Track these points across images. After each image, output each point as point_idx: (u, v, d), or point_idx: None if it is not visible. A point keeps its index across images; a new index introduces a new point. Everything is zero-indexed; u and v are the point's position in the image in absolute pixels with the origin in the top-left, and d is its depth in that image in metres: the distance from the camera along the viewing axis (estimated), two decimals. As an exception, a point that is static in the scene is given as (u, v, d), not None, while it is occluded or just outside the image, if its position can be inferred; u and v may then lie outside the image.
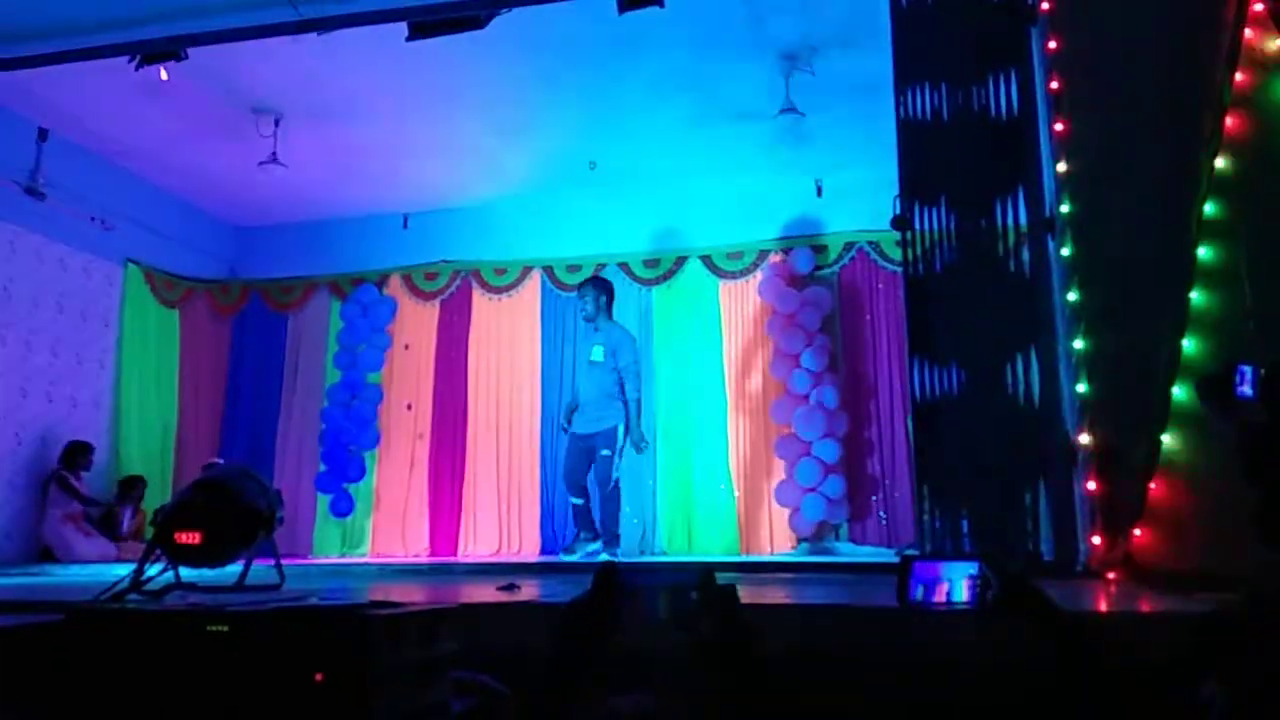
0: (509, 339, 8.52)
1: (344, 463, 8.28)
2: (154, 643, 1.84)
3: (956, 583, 2.52)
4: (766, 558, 7.12)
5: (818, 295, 7.69)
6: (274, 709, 1.74)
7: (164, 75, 5.98)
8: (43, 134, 7.11)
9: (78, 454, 7.19)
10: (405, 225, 8.87)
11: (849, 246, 7.88)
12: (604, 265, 8.24)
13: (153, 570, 2.66)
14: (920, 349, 4.23)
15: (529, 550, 7.96)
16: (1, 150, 6.89)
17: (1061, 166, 4.12)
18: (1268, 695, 1.47)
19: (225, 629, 1.79)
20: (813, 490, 7.20)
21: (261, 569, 2.95)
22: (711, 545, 7.59)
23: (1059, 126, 4.15)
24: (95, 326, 7.82)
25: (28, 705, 1.83)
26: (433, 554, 8.05)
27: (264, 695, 1.75)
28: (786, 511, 7.39)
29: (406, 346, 8.65)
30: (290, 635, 1.79)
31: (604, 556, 6.25)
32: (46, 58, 5.92)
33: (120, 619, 1.98)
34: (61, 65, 5.96)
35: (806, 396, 7.39)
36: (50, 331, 7.37)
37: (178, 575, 2.71)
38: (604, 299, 6.96)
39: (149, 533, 2.61)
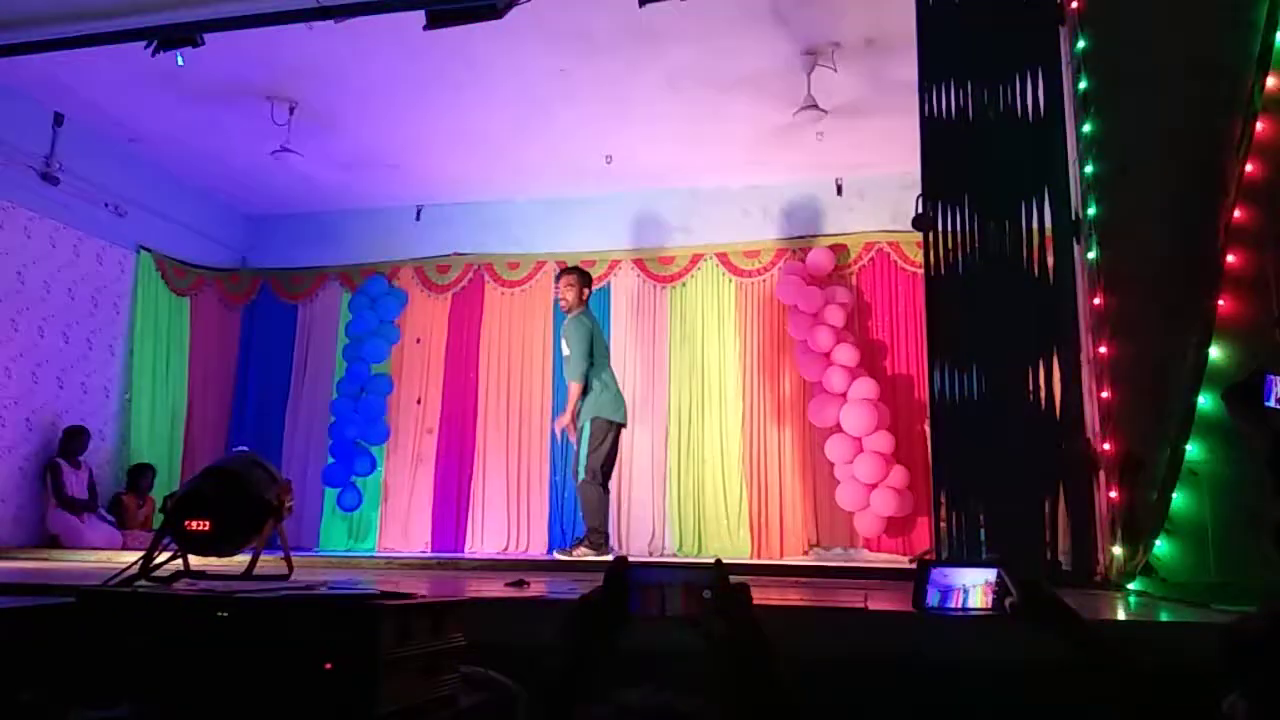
0: (520, 333, 8.47)
1: (352, 456, 8.27)
2: (164, 627, 1.83)
3: (974, 589, 2.47)
4: (780, 561, 7.06)
5: (840, 294, 7.61)
6: (283, 696, 1.73)
7: (180, 61, 5.97)
8: (59, 119, 7.13)
9: (72, 439, 7.17)
10: (418, 217, 8.85)
11: (869, 247, 7.81)
12: (618, 261, 8.21)
13: (161, 557, 2.64)
14: (940, 352, 4.17)
15: (537, 547, 7.92)
16: (18, 135, 6.90)
17: (1088, 168, 4.06)
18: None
19: (235, 616, 1.78)
20: (876, 485, 7.04)
21: (269, 559, 2.92)
22: (723, 548, 7.51)
23: (1086, 128, 4.09)
24: (106, 313, 7.82)
25: (39, 684, 1.81)
26: (440, 549, 8.02)
27: (273, 682, 1.74)
28: (851, 512, 7.20)
29: (419, 340, 8.62)
30: (300, 624, 1.78)
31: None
32: (63, 42, 5.92)
33: (131, 603, 1.96)
34: (78, 50, 5.96)
35: (845, 394, 7.26)
36: (62, 318, 7.37)
37: (186, 562, 2.68)
38: (582, 289, 6.57)
39: (158, 520, 2.58)
